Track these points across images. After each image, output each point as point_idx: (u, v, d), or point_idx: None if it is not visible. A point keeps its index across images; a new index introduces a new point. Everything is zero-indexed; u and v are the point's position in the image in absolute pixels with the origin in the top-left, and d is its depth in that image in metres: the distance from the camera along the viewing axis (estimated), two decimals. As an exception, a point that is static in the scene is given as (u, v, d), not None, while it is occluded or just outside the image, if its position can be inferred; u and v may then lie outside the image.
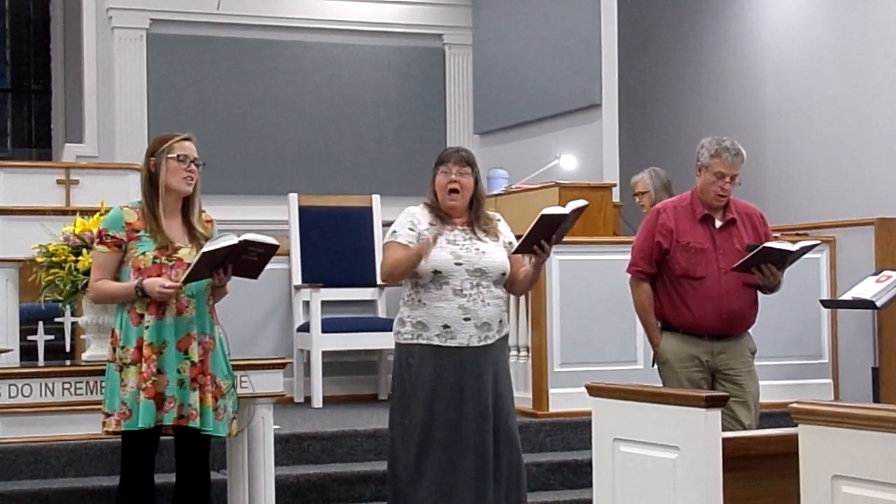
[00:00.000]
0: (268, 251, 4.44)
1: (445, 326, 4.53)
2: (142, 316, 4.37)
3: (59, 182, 6.52)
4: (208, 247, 4.31)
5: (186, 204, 4.51)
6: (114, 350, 4.43)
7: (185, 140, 4.50)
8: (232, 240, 4.33)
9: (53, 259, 5.10)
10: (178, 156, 4.44)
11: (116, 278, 4.46)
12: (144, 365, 4.34)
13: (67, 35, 12.03)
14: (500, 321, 4.64)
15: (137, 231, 4.43)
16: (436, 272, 4.54)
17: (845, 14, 8.01)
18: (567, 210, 4.53)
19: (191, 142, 4.51)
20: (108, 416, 4.41)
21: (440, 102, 10.14)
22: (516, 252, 4.65)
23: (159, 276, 4.37)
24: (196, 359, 4.40)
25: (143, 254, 4.40)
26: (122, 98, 9.29)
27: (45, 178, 6.55)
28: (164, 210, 4.45)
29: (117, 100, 9.30)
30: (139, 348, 4.35)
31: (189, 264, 4.34)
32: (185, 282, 4.34)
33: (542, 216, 4.50)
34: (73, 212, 5.59)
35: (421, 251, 4.51)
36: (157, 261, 4.40)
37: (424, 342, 4.55)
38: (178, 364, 4.37)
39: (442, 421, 4.51)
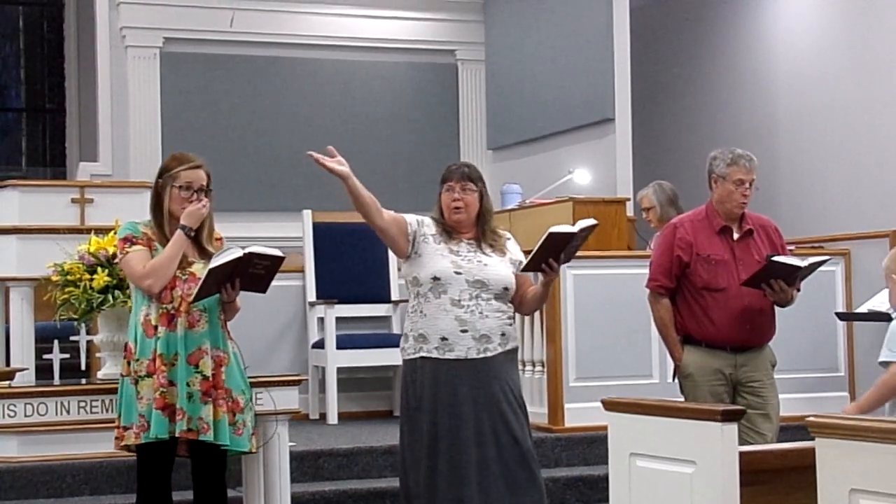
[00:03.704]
0: (274, 263, 4.45)
1: (443, 339, 4.50)
2: (156, 328, 4.39)
3: (73, 201, 6.53)
4: (214, 262, 4.32)
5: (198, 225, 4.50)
6: (128, 364, 4.43)
7: (194, 168, 4.44)
8: (237, 253, 4.35)
9: (68, 277, 5.13)
10: (182, 185, 4.42)
11: None
12: (157, 376, 4.35)
13: (81, 54, 12.08)
14: (503, 334, 4.57)
15: (152, 240, 4.45)
16: (434, 279, 4.51)
17: (859, 25, 8.00)
18: (575, 229, 4.49)
19: (201, 169, 4.45)
20: (125, 429, 4.41)
21: (453, 118, 10.15)
22: (524, 270, 4.61)
23: (173, 288, 4.39)
24: (208, 373, 4.40)
25: None
26: (136, 116, 9.33)
27: (59, 197, 6.55)
28: (169, 230, 4.45)
29: (131, 118, 9.33)
30: (153, 360, 4.37)
31: (200, 279, 4.36)
32: (196, 299, 4.36)
33: (550, 234, 4.47)
34: (88, 230, 5.61)
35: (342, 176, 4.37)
36: None
37: (425, 354, 4.52)
38: (188, 377, 4.38)
39: (444, 434, 4.48)
